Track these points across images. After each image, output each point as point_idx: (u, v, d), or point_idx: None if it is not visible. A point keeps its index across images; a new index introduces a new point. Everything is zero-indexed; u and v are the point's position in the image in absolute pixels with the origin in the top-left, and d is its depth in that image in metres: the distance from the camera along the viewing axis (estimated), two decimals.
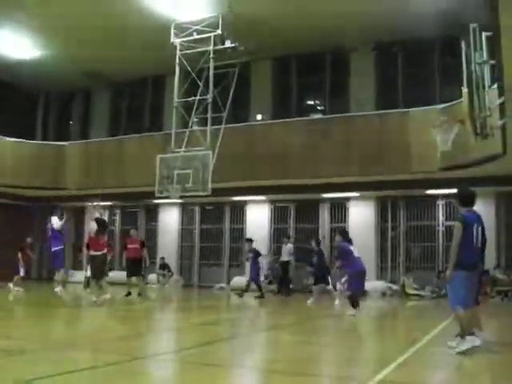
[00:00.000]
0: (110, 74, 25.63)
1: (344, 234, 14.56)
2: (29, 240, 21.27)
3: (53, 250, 15.91)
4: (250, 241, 20.48)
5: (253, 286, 19.64)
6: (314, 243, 18.78)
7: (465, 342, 8.02)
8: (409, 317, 16.15)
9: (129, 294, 17.69)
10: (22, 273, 20.14)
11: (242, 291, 19.24)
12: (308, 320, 14.05)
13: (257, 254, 19.82)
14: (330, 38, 21.06)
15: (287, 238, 22.24)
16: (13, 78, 25.90)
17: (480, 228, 8.33)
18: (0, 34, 21.21)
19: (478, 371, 7.07)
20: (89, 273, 18.07)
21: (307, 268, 20.47)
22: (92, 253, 15.71)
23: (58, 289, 15.13)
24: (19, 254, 20.29)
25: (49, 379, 6.04)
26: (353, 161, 19.49)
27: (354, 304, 13.59)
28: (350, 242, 14.22)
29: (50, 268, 15.49)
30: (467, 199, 8.67)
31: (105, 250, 15.73)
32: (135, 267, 18.17)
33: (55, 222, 15.88)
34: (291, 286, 22.25)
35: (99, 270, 15.58)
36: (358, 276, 13.91)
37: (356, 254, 13.97)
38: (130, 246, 18.50)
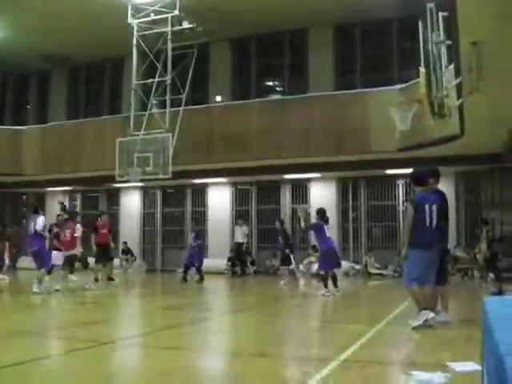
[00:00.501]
0: (68, 56, 25.27)
1: (321, 213, 14.58)
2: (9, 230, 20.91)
3: (32, 249, 14.65)
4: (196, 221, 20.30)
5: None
6: (277, 224, 18.76)
7: (419, 317, 8.22)
8: (371, 296, 16.32)
9: (111, 279, 17.58)
10: (7, 261, 19.76)
11: (199, 277, 18.46)
12: (273, 301, 14.12)
13: (198, 235, 19.08)
14: (289, 18, 21.03)
15: (241, 219, 22.26)
16: None
17: (436, 207, 8.45)
18: None
19: (438, 348, 7.17)
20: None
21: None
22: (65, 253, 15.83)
23: (36, 288, 14.60)
24: None
25: (17, 366, 5.99)
26: (313, 142, 19.56)
27: (326, 283, 13.82)
28: (326, 221, 14.40)
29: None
30: (419, 179, 8.86)
31: (75, 250, 15.81)
32: (107, 253, 17.61)
33: (39, 222, 14.36)
34: (254, 268, 22.37)
35: (70, 265, 15.69)
36: (330, 254, 14.10)
37: (327, 233, 14.22)
38: (102, 231, 17.57)
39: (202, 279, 18.27)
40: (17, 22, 21.68)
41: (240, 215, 23.02)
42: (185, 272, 18.56)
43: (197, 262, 18.61)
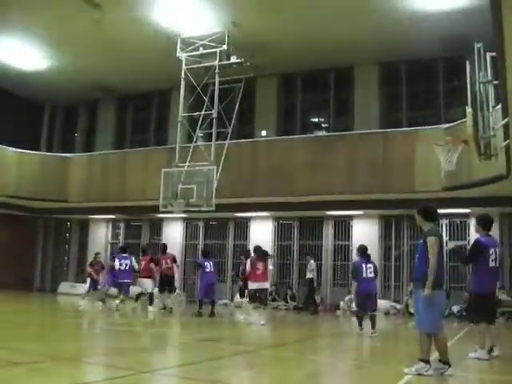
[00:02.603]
0: (117, 86, 25.74)
1: (360, 250, 14.03)
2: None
3: (125, 281, 18.75)
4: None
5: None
6: (243, 258, 17.91)
7: (415, 366, 7.77)
8: (411, 337, 16.01)
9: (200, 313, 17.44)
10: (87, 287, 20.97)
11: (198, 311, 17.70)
12: (312, 338, 14.00)
13: (198, 265, 18.31)
14: (335, 56, 21.20)
15: (310, 255, 21.91)
16: (19, 89, 26.02)
17: None
18: (9, 44, 21.40)
19: None
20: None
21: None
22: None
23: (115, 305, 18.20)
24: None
25: None
26: (357, 179, 19.49)
27: (360, 321, 13.70)
28: (367, 259, 13.80)
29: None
30: (434, 214, 8.51)
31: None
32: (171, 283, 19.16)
33: (134, 262, 19.01)
34: (294, 303, 22.19)
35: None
36: (366, 297, 13.61)
37: (366, 273, 13.54)
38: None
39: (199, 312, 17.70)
40: (68, 53, 22.24)
41: (309, 250, 22.92)
42: (199, 305, 17.85)
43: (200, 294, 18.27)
